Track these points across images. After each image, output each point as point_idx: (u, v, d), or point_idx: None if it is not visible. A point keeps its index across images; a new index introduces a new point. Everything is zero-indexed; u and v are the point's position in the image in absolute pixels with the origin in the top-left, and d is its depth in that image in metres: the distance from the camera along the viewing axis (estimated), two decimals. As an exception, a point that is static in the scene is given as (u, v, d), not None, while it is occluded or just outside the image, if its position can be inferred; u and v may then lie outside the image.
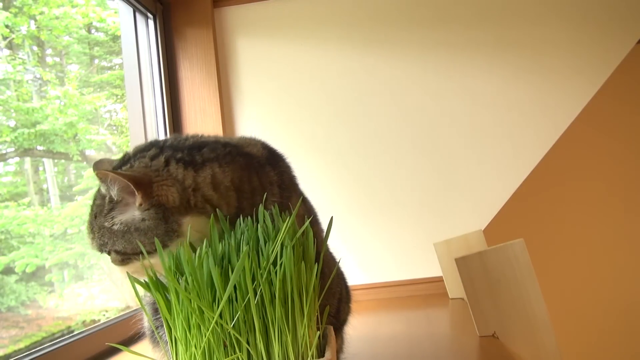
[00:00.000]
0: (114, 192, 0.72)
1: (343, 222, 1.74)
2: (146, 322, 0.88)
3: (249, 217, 0.72)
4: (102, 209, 0.74)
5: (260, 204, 0.75)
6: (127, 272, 0.70)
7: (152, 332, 0.85)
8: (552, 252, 2.22)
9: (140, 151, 0.78)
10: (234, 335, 0.61)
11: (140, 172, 0.73)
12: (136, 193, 0.70)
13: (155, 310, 0.80)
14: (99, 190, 0.76)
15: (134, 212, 0.72)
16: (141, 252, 0.71)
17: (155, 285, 0.64)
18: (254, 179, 0.78)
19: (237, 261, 0.62)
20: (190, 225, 0.72)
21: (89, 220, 0.76)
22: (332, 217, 0.73)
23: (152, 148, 0.78)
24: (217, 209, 0.73)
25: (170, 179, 0.73)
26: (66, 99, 1.63)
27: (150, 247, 0.71)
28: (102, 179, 0.71)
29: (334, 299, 0.89)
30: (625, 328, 2.20)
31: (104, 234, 0.73)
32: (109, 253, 0.74)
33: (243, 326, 0.62)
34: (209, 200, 0.74)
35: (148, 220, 0.71)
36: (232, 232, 0.69)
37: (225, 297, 0.60)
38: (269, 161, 0.83)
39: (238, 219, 0.73)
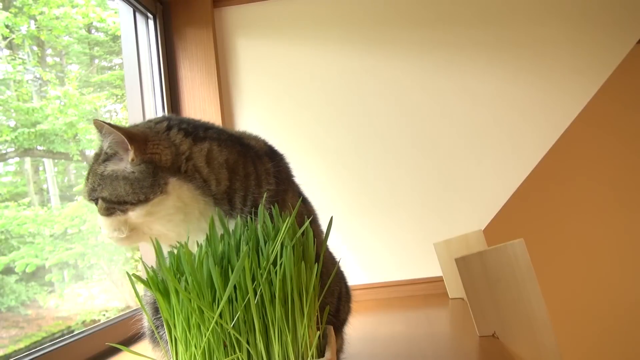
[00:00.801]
0: (106, 144, 0.75)
1: (343, 222, 1.74)
2: (146, 322, 0.88)
3: (248, 214, 0.72)
4: (98, 157, 0.78)
5: (259, 199, 0.76)
6: (130, 274, 0.70)
7: (152, 331, 0.85)
8: (552, 252, 2.22)
9: (152, 120, 0.83)
10: (234, 335, 0.61)
11: (139, 130, 0.77)
12: (129, 147, 0.73)
13: (156, 310, 0.80)
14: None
15: (125, 165, 0.75)
16: (126, 203, 0.74)
17: (155, 283, 0.64)
18: (249, 165, 0.81)
19: (237, 261, 0.62)
20: (175, 187, 0.75)
21: (87, 169, 0.80)
22: (332, 217, 0.73)
23: (164, 119, 0.83)
24: (206, 183, 0.76)
25: (166, 141, 0.77)
26: (66, 99, 1.63)
27: (133, 197, 0.74)
28: (98, 128, 0.75)
29: (333, 297, 0.89)
30: (625, 328, 2.20)
31: (95, 180, 0.76)
32: (96, 202, 0.77)
33: (243, 326, 0.62)
34: (200, 171, 0.77)
35: (137, 173, 0.74)
36: (232, 232, 0.69)
37: (225, 297, 0.60)
38: (268, 154, 0.85)
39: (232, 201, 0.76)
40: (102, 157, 0.77)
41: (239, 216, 0.76)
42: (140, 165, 0.74)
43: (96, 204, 0.77)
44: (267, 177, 0.81)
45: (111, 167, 0.75)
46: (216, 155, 0.79)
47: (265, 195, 0.77)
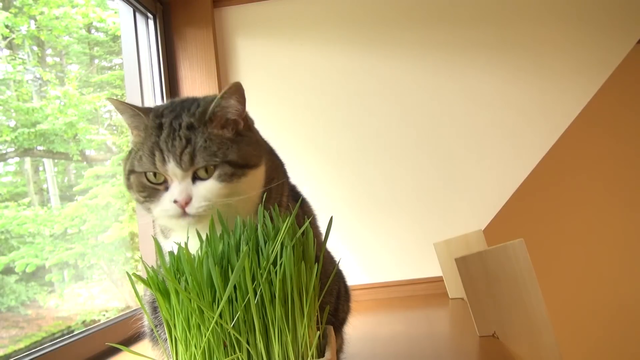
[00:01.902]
0: (226, 109, 0.76)
1: (343, 222, 1.74)
2: (146, 321, 0.88)
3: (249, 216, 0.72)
4: (204, 122, 0.75)
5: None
6: (130, 274, 0.70)
7: (152, 331, 0.85)
8: (552, 252, 2.22)
9: None
10: (234, 335, 0.61)
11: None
12: (242, 114, 0.78)
13: (155, 309, 0.80)
14: (188, 101, 0.79)
15: (232, 132, 0.77)
16: (248, 166, 0.74)
17: (155, 283, 0.64)
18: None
19: (237, 261, 0.62)
20: (263, 162, 0.79)
21: (172, 133, 0.73)
22: (331, 217, 0.73)
23: None
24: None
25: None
26: (66, 99, 1.63)
27: (255, 160, 0.76)
28: (235, 89, 0.75)
29: (331, 297, 0.89)
30: (625, 328, 2.20)
31: (214, 143, 0.73)
32: (214, 168, 0.73)
33: (243, 326, 0.62)
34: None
35: (249, 138, 0.78)
36: (232, 232, 0.69)
37: (225, 297, 0.60)
38: (272, 153, 0.91)
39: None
40: (218, 122, 0.75)
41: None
42: (249, 132, 0.79)
43: (206, 171, 0.73)
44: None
45: (227, 132, 0.76)
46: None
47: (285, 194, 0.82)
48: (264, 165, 0.79)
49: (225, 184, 0.72)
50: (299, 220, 0.78)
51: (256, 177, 0.77)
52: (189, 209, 0.72)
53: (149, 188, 0.75)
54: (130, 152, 0.77)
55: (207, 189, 0.72)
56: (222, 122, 0.76)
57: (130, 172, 0.76)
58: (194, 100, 0.79)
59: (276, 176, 0.83)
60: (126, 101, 0.77)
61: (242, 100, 0.76)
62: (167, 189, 0.74)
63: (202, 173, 0.73)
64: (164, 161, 0.72)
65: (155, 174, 0.74)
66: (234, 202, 0.73)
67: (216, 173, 0.73)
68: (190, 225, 0.72)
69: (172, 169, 0.72)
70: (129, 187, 0.77)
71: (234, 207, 0.74)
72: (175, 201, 0.72)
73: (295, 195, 0.91)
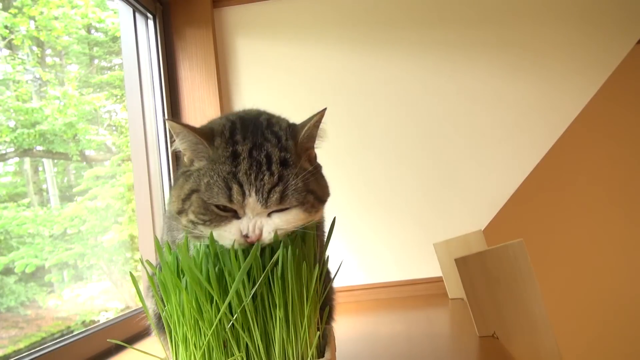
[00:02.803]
0: (313, 141, 0.74)
1: (343, 222, 1.74)
2: (151, 312, 0.85)
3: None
4: (296, 148, 0.71)
5: None
6: (130, 272, 0.70)
7: (159, 319, 0.84)
8: (552, 252, 2.22)
9: None
10: (234, 335, 0.61)
11: None
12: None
13: (160, 319, 0.80)
14: (260, 123, 0.73)
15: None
16: (325, 201, 0.74)
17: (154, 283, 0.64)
18: None
19: (236, 261, 0.62)
20: None
21: (255, 167, 0.67)
22: (334, 218, 0.73)
23: None
24: None
25: None
26: (66, 99, 1.63)
27: (328, 195, 0.77)
28: (321, 116, 0.72)
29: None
30: (625, 328, 2.20)
31: (302, 178, 0.69)
32: (302, 203, 0.68)
33: (243, 326, 0.62)
34: None
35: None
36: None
37: (228, 298, 0.60)
38: None
39: None
40: (305, 153, 0.73)
41: None
42: (316, 162, 0.77)
43: (299, 204, 0.68)
44: None
45: (308, 164, 0.74)
46: None
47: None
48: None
49: (307, 214, 0.69)
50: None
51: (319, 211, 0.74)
52: (260, 241, 0.66)
53: (214, 214, 0.67)
54: (186, 171, 0.71)
55: (285, 220, 0.67)
56: (307, 153, 0.73)
57: (192, 191, 0.69)
58: (268, 123, 0.74)
59: None
60: (184, 122, 0.69)
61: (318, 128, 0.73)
62: (235, 217, 0.67)
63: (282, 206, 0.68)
64: (243, 195, 0.65)
65: (220, 207, 0.67)
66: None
67: (300, 205, 0.68)
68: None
69: (252, 204, 0.66)
70: (184, 203, 0.69)
71: None
72: (246, 235, 0.66)
73: None
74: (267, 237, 0.66)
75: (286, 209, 0.68)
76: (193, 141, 0.69)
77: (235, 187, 0.65)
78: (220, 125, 0.72)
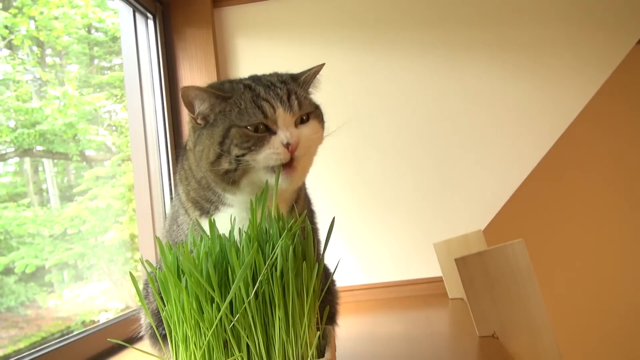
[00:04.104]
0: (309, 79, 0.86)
1: (343, 222, 1.74)
2: (144, 321, 0.88)
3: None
4: (290, 79, 0.84)
5: None
6: (130, 273, 0.70)
7: (152, 330, 0.85)
8: (552, 252, 2.22)
9: None
10: (234, 335, 0.61)
11: None
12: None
13: (159, 316, 0.80)
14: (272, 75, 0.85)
15: None
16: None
17: (154, 282, 0.64)
18: None
19: (236, 260, 0.62)
20: None
21: (270, 88, 0.80)
22: (333, 218, 0.73)
23: None
24: None
25: None
26: (66, 99, 1.63)
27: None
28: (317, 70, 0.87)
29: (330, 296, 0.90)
30: (625, 328, 2.20)
31: (307, 94, 0.84)
32: (308, 115, 0.82)
33: (243, 326, 0.62)
34: None
35: None
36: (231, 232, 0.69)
37: (230, 295, 0.60)
38: None
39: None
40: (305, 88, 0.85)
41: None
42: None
43: (304, 118, 0.81)
44: None
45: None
46: None
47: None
48: None
49: (321, 125, 0.83)
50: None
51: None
52: (297, 154, 0.75)
53: (254, 138, 0.76)
54: (205, 125, 0.79)
55: (311, 129, 0.79)
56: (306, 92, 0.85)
57: (230, 127, 0.76)
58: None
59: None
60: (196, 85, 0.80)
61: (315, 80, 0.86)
62: (271, 134, 0.76)
63: (303, 119, 0.80)
64: (273, 108, 0.76)
65: (257, 128, 0.76)
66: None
67: (314, 115, 0.82)
68: (290, 184, 0.77)
69: (282, 115, 0.76)
70: (222, 145, 0.76)
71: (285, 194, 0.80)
72: (287, 144, 0.75)
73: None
74: (303, 146, 0.76)
75: (307, 120, 0.80)
76: (213, 95, 0.78)
77: (264, 104, 0.76)
78: (228, 80, 0.86)
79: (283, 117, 0.76)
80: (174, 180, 0.93)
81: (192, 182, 0.84)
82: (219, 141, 0.76)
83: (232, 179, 0.77)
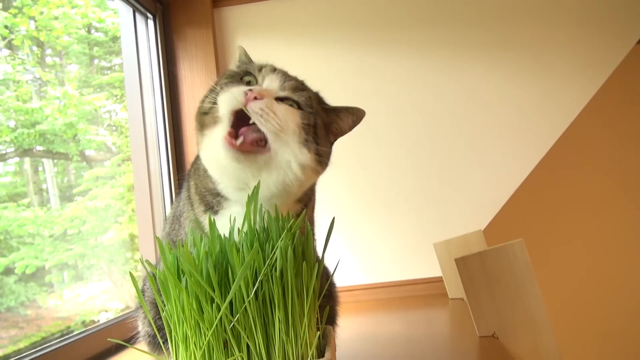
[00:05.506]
0: (341, 126, 0.91)
1: (343, 222, 1.74)
2: (141, 327, 0.88)
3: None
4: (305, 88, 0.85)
5: None
6: (130, 272, 0.70)
7: (150, 336, 0.86)
8: (552, 252, 2.22)
9: None
10: (234, 335, 0.61)
11: None
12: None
13: (157, 312, 0.80)
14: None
15: None
16: (317, 156, 0.79)
17: (154, 282, 0.64)
18: None
19: (237, 260, 0.62)
20: None
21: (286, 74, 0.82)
22: (333, 218, 0.73)
23: None
24: None
25: None
26: (66, 99, 1.63)
27: (325, 159, 0.86)
28: (355, 114, 0.91)
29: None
30: (625, 328, 2.20)
31: (313, 103, 0.82)
32: (298, 108, 0.79)
33: (243, 326, 0.62)
34: None
35: None
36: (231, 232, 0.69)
37: (230, 294, 0.60)
38: None
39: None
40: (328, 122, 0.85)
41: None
42: (332, 145, 0.92)
43: (291, 105, 0.77)
44: None
45: (328, 134, 0.89)
46: None
47: None
48: (317, 176, 0.82)
49: (302, 125, 0.74)
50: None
51: (312, 172, 0.78)
52: (252, 105, 0.70)
53: (236, 81, 0.77)
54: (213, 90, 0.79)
55: (284, 109, 0.73)
56: (328, 122, 0.84)
57: (229, 75, 0.79)
58: None
59: (313, 187, 0.88)
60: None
61: (354, 125, 0.89)
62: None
63: (287, 102, 0.76)
64: (272, 71, 0.78)
65: (249, 82, 0.77)
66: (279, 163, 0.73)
67: (300, 111, 0.76)
68: (235, 161, 0.70)
69: (270, 79, 0.77)
70: (215, 87, 0.76)
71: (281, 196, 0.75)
72: (249, 90, 0.71)
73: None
74: (261, 105, 0.70)
75: (290, 104, 0.76)
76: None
77: (268, 66, 0.80)
78: None
79: (270, 80, 0.77)
80: (187, 172, 0.90)
81: (200, 172, 0.82)
82: (221, 82, 0.78)
83: (203, 121, 0.76)
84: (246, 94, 0.70)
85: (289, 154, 0.72)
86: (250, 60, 0.86)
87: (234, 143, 0.69)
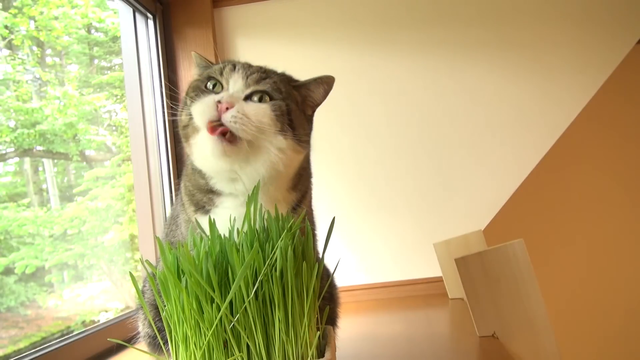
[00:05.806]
0: (314, 98, 0.87)
1: (343, 222, 1.74)
2: (141, 328, 0.88)
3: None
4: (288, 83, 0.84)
5: None
6: (130, 272, 0.70)
7: (150, 337, 0.86)
8: (552, 252, 2.22)
9: None
10: (234, 335, 0.61)
11: None
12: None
13: (157, 312, 0.80)
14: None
15: None
16: (297, 137, 0.78)
17: (154, 282, 0.64)
18: None
19: (237, 259, 0.62)
20: None
21: (249, 65, 0.81)
22: (334, 218, 0.73)
23: None
24: None
25: None
26: (66, 99, 1.63)
27: (305, 138, 0.83)
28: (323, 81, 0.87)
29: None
30: (625, 328, 2.20)
31: (283, 86, 0.81)
32: (270, 100, 0.78)
33: (243, 326, 0.62)
34: None
35: None
36: (230, 233, 0.69)
37: (230, 294, 0.60)
38: None
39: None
40: (299, 96, 0.83)
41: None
42: (311, 125, 0.88)
43: (260, 99, 0.77)
44: None
45: (302, 107, 0.86)
46: None
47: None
48: (304, 155, 0.82)
49: (275, 116, 0.75)
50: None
51: (293, 152, 0.78)
52: (225, 116, 0.71)
53: (202, 91, 0.77)
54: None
55: (254, 109, 0.74)
56: (301, 99, 0.83)
57: (195, 87, 0.79)
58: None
59: (305, 173, 0.86)
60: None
61: (326, 93, 0.86)
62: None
63: (256, 98, 0.76)
64: (232, 70, 0.78)
65: (214, 85, 0.78)
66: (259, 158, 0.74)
67: (271, 103, 0.76)
68: (222, 152, 0.72)
69: (235, 79, 0.77)
70: (186, 99, 0.78)
71: (268, 190, 0.77)
72: (218, 102, 0.72)
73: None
74: (233, 113, 0.71)
75: (260, 97, 0.76)
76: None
77: (229, 65, 0.79)
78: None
79: (235, 81, 0.77)
80: (180, 175, 0.92)
81: (189, 171, 0.84)
82: (192, 86, 0.80)
83: (186, 133, 0.77)
84: (217, 106, 0.72)
85: (267, 142, 0.75)
86: (208, 64, 0.86)
87: (217, 131, 0.72)
